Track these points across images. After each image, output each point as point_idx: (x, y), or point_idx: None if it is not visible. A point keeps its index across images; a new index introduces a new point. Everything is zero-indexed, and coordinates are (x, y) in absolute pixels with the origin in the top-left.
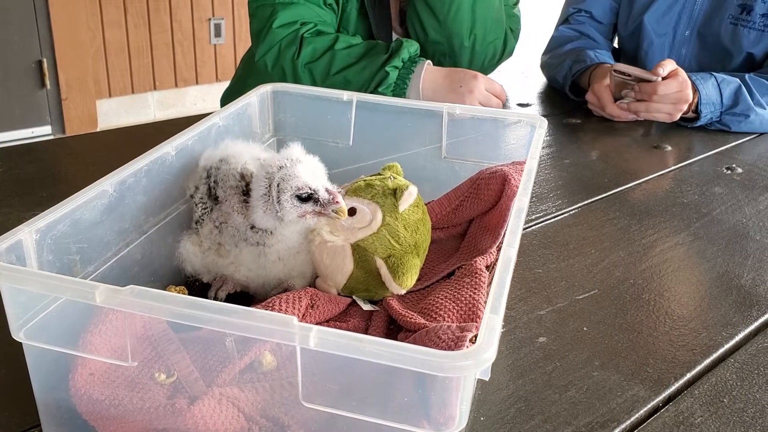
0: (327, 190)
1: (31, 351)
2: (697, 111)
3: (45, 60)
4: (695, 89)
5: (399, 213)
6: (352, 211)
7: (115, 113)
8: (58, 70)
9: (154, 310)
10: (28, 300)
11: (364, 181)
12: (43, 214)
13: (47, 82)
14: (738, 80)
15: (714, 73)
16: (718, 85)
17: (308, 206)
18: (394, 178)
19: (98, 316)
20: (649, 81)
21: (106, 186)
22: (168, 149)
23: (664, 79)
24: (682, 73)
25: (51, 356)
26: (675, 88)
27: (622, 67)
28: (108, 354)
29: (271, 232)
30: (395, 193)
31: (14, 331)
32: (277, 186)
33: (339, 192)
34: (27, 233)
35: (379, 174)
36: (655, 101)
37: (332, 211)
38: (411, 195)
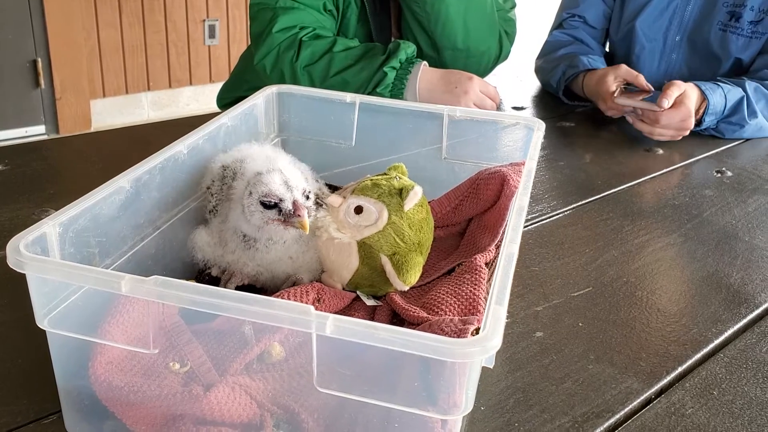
0: (294, 203)
1: (54, 339)
2: (701, 118)
3: (39, 59)
4: (704, 98)
5: (404, 212)
6: (358, 210)
7: (109, 113)
8: (52, 70)
9: (178, 300)
10: (51, 290)
11: (371, 180)
12: (65, 209)
13: (42, 81)
14: (742, 93)
15: (720, 83)
16: (725, 95)
17: (272, 214)
18: (400, 178)
19: (115, 307)
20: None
21: (123, 182)
22: (180, 148)
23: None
24: (688, 102)
25: (73, 344)
26: (678, 118)
27: (624, 100)
28: (125, 343)
29: (255, 240)
30: (401, 192)
31: (39, 319)
32: (249, 191)
33: (325, 195)
34: (51, 226)
35: (385, 174)
36: (657, 128)
37: (294, 224)
38: (416, 195)
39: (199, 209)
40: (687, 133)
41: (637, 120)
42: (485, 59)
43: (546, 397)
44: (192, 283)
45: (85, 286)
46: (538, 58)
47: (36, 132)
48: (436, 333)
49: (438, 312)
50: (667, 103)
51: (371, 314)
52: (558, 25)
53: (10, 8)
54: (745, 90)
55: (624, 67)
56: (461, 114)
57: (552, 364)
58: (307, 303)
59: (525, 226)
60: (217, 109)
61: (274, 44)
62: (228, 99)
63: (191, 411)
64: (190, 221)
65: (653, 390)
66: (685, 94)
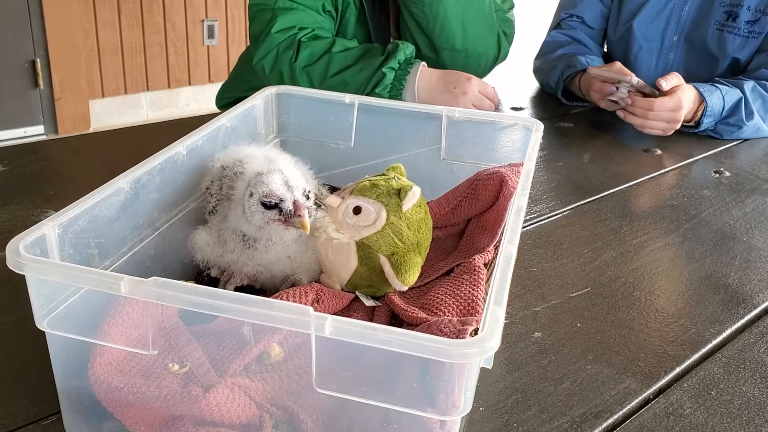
0: (295, 203)
1: (54, 340)
2: (699, 120)
3: (38, 60)
4: (702, 99)
5: (403, 212)
6: (357, 210)
7: (108, 114)
8: (51, 70)
9: (177, 301)
10: (50, 291)
11: (369, 181)
12: (65, 210)
13: (40, 82)
14: (740, 94)
15: (718, 85)
16: (723, 97)
17: (272, 214)
18: (398, 178)
19: (114, 308)
20: (643, 91)
21: (122, 184)
22: (180, 149)
23: (662, 93)
24: (682, 94)
25: (72, 345)
26: (670, 106)
27: (597, 71)
28: (124, 344)
29: (255, 240)
30: (399, 193)
31: (38, 320)
32: (250, 192)
33: (327, 197)
34: (50, 228)
35: (384, 174)
36: (649, 118)
37: (295, 223)
38: (415, 195)
39: (198, 210)
40: (677, 126)
41: (628, 114)
42: (484, 60)
43: (544, 397)
44: (191, 284)
45: (84, 287)
46: (537, 58)
47: (35, 132)
48: (434, 334)
49: (437, 313)
50: (665, 84)
51: (370, 315)
52: (556, 25)
53: (8, 9)
54: (743, 91)
55: (618, 64)
56: (460, 115)
57: (550, 365)
58: (306, 304)
59: (523, 227)
60: (216, 110)
61: (273, 45)
62: (227, 99)
63: (190, 412)
64: (189, 222)
65: (651, 390)
66: (682, 87)
